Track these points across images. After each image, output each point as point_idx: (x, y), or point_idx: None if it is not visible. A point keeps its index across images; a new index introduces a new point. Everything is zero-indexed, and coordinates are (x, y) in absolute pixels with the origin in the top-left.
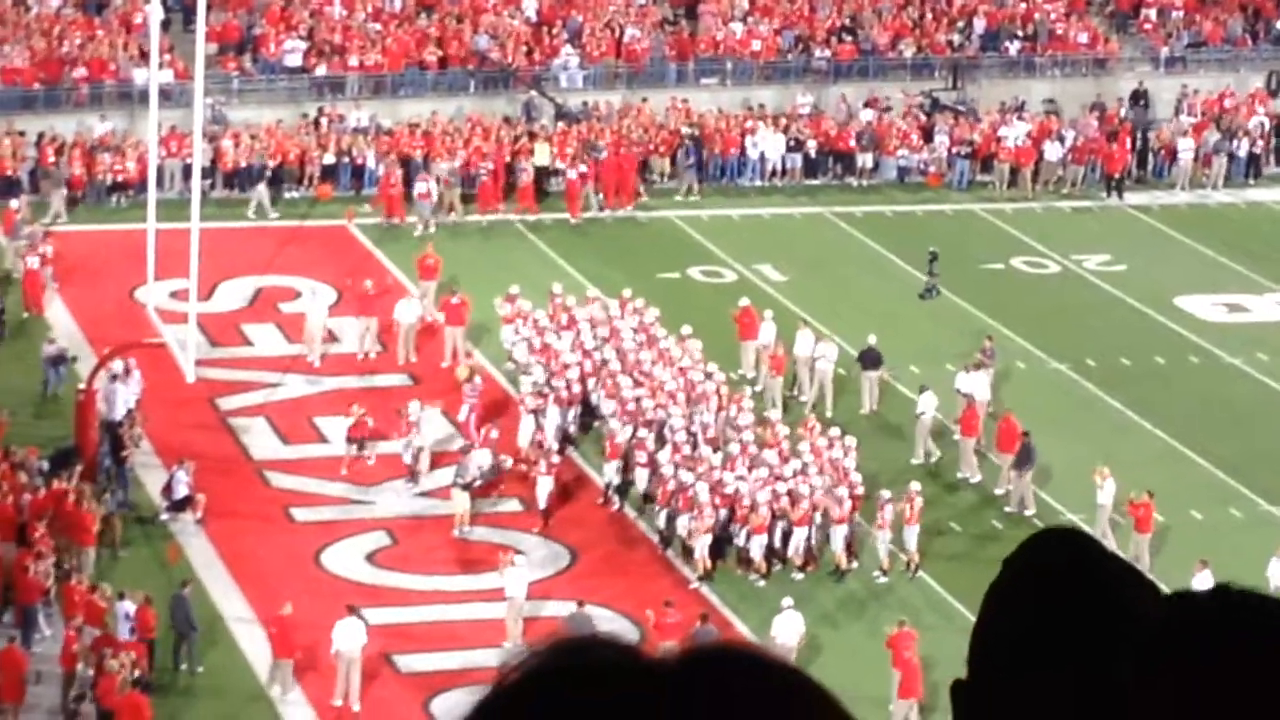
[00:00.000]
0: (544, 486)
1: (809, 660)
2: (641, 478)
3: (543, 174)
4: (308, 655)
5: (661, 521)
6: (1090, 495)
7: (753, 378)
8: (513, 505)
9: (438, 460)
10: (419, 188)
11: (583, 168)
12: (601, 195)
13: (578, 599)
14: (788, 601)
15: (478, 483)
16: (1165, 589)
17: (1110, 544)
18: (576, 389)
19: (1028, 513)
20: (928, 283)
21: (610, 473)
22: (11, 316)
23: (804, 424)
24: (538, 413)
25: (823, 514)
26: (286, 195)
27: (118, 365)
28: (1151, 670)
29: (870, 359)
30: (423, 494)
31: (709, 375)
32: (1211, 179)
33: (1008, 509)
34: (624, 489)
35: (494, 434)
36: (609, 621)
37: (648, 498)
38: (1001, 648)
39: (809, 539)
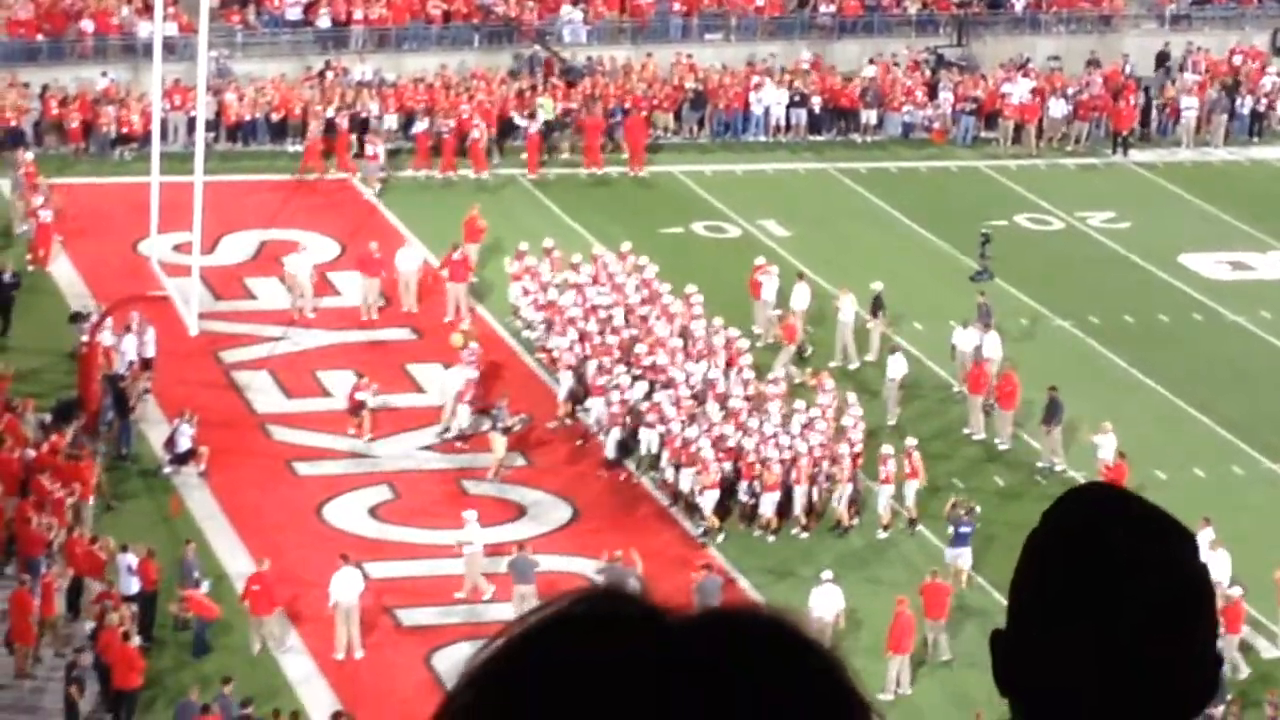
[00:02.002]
0: (613, 438)
1: (848, 634)
2: (646, 435)
3: (549, 129)
4: (308, 607)
5: (670, 475)
6: (1086, 453)
7: (760, 333)
8: (516, 460)
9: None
10: (366, 148)
11: (538, 125)
12: (627, 151)
13: (518, 542)
14: (827, 574)
15: (515, 429)
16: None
17: None
18: (594, 344)
19: (1058, 467)
20: (981, 264)
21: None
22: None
23: (817, 380)
24: (572, 369)
25: (826, 472)
26: (290, 149)
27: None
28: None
29: (873, 306)
30: (426, 448)
31: (715, 330)
32: (1212, 137)
33: (1040, 464)
34: (627, 447)
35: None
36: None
37: (655, 458)
38: (1033, 603)
39: (810, 496)
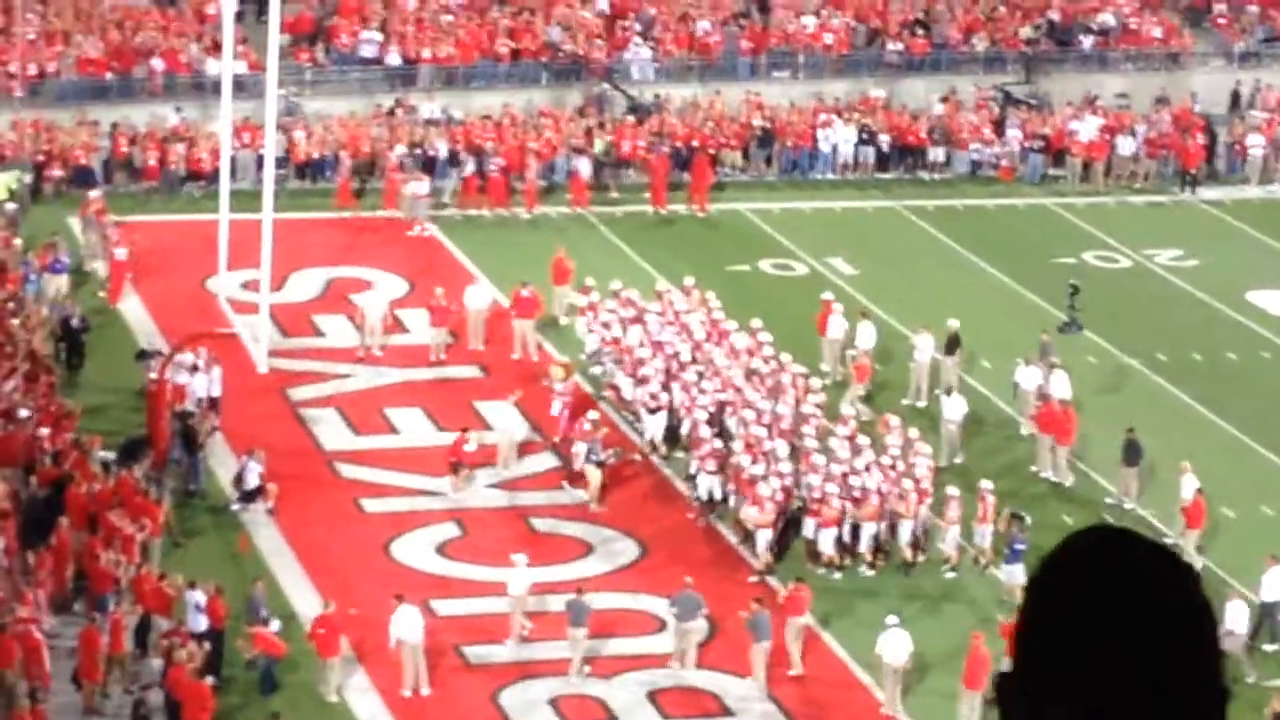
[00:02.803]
0: (704, 483)
1: (916, 679)
2: (705, 480)
3: (601, 166)
4: (376, 645)
5: (741, 512)
6: (1160, 489)
7: (828, 370)
8: (580, 496)
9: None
10: (416, 187)
11: (585, 162)
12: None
13: (578, 585)
14: (893, 620)
15: (611, 461)
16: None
17: (1188, 540)
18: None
19: (1127, 505)
20: (1070, 315)
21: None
22: (86, 309)
23: (883, 420)
24: (664, 408)
25: (891, 509)
26: (357, 186)
27: (189, 357)
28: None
29: (949, 344)
30: (493, 485)
31: (783, 366)
32: (1278, 175)
33: (1109, 500)
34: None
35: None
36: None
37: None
38: (1048, 631)
39: (878, 534)
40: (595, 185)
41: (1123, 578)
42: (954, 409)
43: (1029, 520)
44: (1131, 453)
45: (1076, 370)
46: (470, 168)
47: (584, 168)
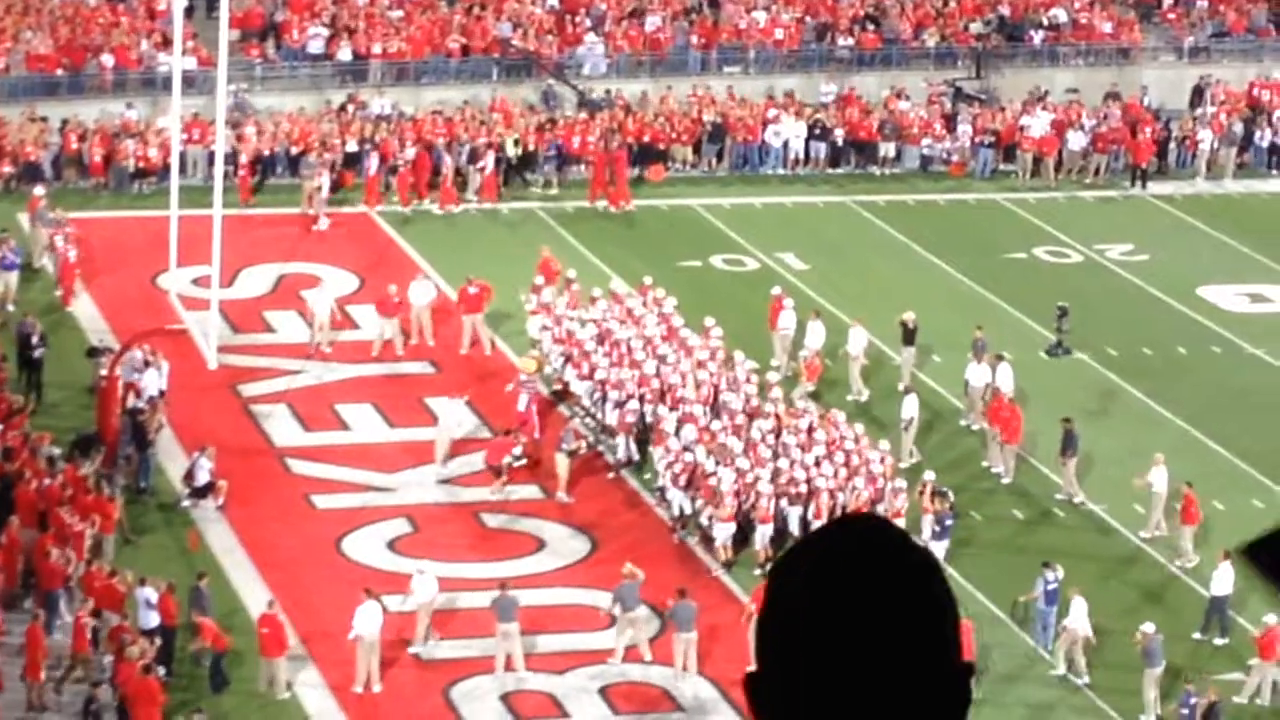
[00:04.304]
0: (675, 498)
1: None
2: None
3: (511, 165)
4: (326, 640)
5: (677, 507)
6: (1108, 484)
7: (778, 365)
8: (533, 492)
9: (457, 449)
10: (317, 181)
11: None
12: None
13: (501, 582)
14: None
15: (581, 451)
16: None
17: (1162, 531)
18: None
19: (1076, 499)
20: (1057, 338)
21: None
22: (36, 305)
23: (827, 418)
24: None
25: (841, 504)
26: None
27: (139, 353)
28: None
29: (906, 337)
30: (445, 481)
31: (735, 362)
32: (1223, 170)
33: (1058, 496)
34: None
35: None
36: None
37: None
38: (781, 631)
39: None
40: (508, 181)
41: (855, 568)
42: (906, 409)
43: (953, 497)
44: (1068, 443)
45: (1026, 365)
46: (374, 165)
47: (490, 164)
